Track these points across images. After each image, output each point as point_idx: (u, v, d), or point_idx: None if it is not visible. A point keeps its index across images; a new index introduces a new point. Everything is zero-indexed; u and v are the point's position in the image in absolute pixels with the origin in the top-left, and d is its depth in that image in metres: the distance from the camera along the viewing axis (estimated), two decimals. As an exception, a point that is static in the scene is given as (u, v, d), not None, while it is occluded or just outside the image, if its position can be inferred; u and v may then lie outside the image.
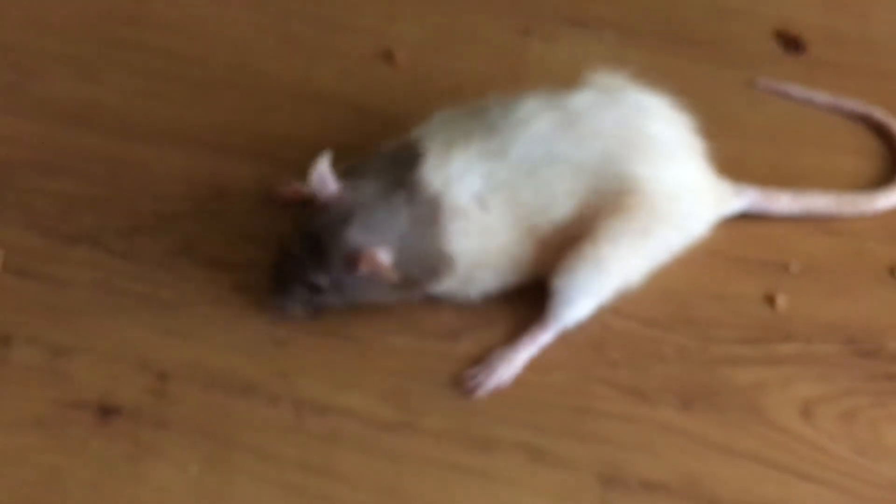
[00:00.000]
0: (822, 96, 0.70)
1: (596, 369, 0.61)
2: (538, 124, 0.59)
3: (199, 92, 0.70)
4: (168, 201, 0.65)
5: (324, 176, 0.58)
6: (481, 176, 0.59)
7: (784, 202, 0.65)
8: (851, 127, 0.70)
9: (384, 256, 0.57)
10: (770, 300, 0.63)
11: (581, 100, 0.60)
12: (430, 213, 0.58)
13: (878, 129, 0.69)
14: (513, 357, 0.60)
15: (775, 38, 0.73)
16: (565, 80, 0.63)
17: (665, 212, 0.60)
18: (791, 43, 0.73)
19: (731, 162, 0.63)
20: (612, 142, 0.59)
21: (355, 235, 0.58)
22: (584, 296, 0.60)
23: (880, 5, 0.75)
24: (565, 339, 0.61)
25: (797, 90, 0.71)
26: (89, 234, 0.64)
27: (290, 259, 0.59)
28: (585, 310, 0.61)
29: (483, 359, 0.61)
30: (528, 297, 0.61)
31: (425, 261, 0.59)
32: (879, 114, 0.69)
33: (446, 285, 0.61)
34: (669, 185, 0.60)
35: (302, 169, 0.66)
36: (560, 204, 0.59)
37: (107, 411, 0.59)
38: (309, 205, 0.59)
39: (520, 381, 0.60)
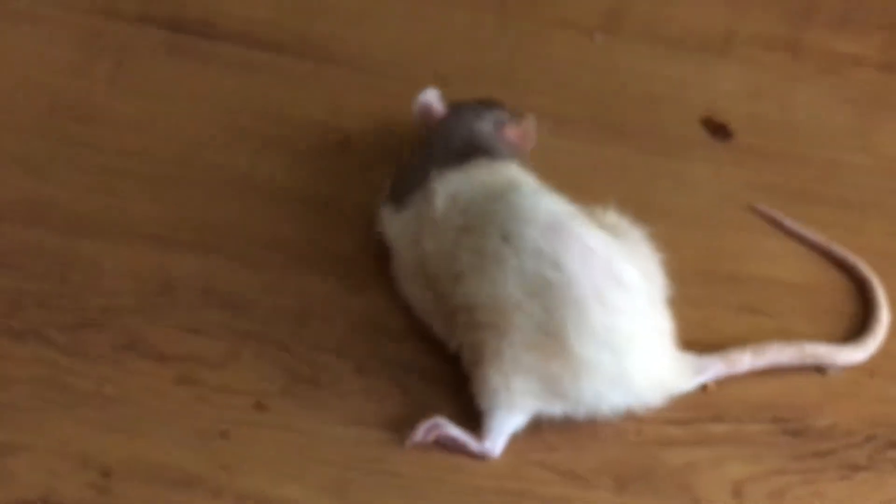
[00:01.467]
0: (814, 235, 0.70)
1: (533, 453, 0.62)
2: (535, 214, 0.59)
3: (148, 186, 0.70)
4: (114, 296, 0.66)
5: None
6: (471, 195, 0.62)
7: (745, 363, 0.64)
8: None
9: (434, 98, 0.69)
10: (701, 381, 0.65)
11: (583, 232, 0.59)
12: (459, 151, 0.64)
13: (841, 265, 0.69)
14: (451, 435, 0.61)
15: (703, 126, 0.76)
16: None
17: (584, 379, 0.59)
18: (718, 130, 0.75)
19: (661, 247, 0.64)
20: (570, 290, 0.58)
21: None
22: (506, 415, 0.60)
23: (800, 93, 0.77)
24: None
25: (791, 224, 0.70)
26: (35, 330, 0.64)
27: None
28: (516, 423, 0.61)
29: (430, 419, 0.61)
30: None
31: (423, 163, 0.65)
32: (843, 252, 0.69)
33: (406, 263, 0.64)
34: (596, 365, 0.59)
35: (250, 261, 0.67)
36: (480, 278, 0.59)
37: (48, 510, 0.59)
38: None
39: (459, 467, 0.61)
